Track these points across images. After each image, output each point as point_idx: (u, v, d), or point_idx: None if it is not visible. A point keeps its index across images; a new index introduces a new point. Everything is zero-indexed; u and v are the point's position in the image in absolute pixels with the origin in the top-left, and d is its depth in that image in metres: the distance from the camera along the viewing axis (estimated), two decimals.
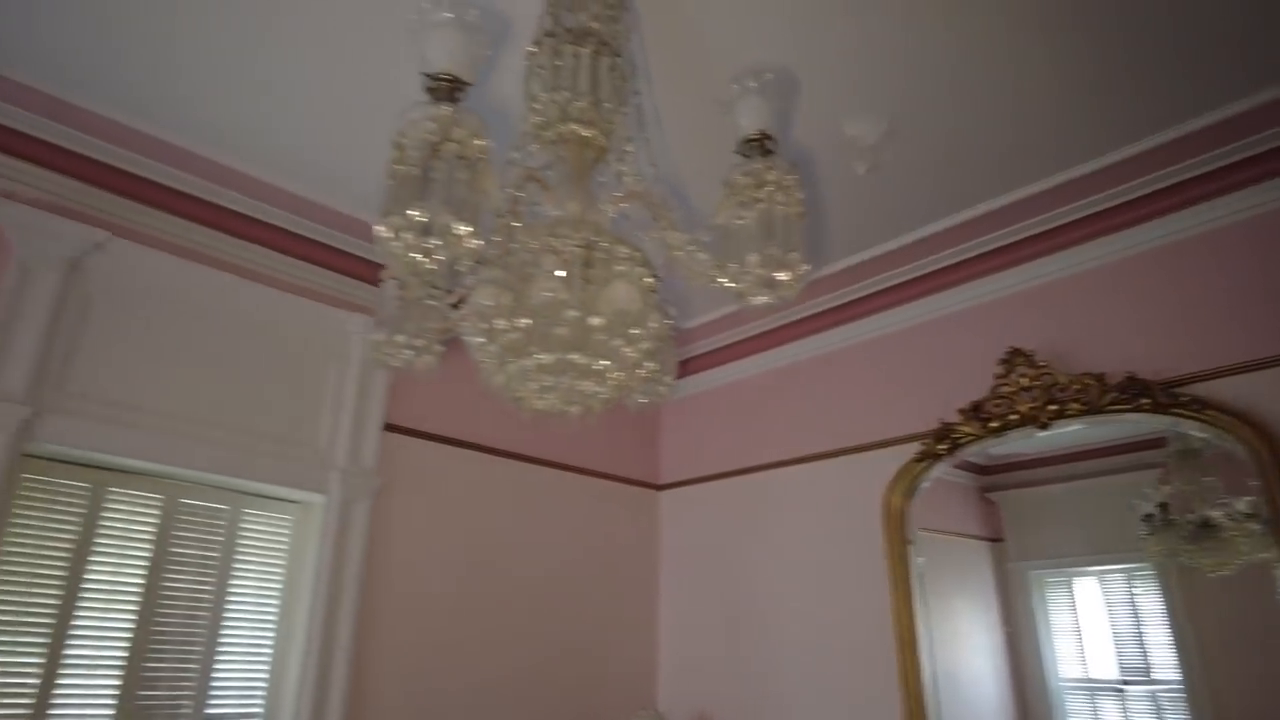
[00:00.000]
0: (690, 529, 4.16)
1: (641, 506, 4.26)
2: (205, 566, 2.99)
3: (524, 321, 1.22)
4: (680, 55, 2.26)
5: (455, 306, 1.51)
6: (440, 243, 1.08)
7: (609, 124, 1.47)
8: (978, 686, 3.27)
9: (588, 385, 1.30)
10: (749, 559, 3.83)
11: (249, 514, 3.13)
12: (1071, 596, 3.25)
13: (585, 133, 1.44)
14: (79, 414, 2.70)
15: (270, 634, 3.07)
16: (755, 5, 2.12)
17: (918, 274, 3.40)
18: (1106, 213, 2.91)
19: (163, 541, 2.92)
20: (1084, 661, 3.14)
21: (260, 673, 3.02)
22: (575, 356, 1.26)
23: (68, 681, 2.65)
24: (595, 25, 1.53)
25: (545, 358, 1.24)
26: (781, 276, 1.27)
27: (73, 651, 2.68)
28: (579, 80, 1.44)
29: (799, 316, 3.77)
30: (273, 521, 3.18)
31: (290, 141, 2.81)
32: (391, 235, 1.07)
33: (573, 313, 1.23)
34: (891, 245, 3.27)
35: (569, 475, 3.97)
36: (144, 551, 2.88)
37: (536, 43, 1.52)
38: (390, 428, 3.40)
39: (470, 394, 3.64)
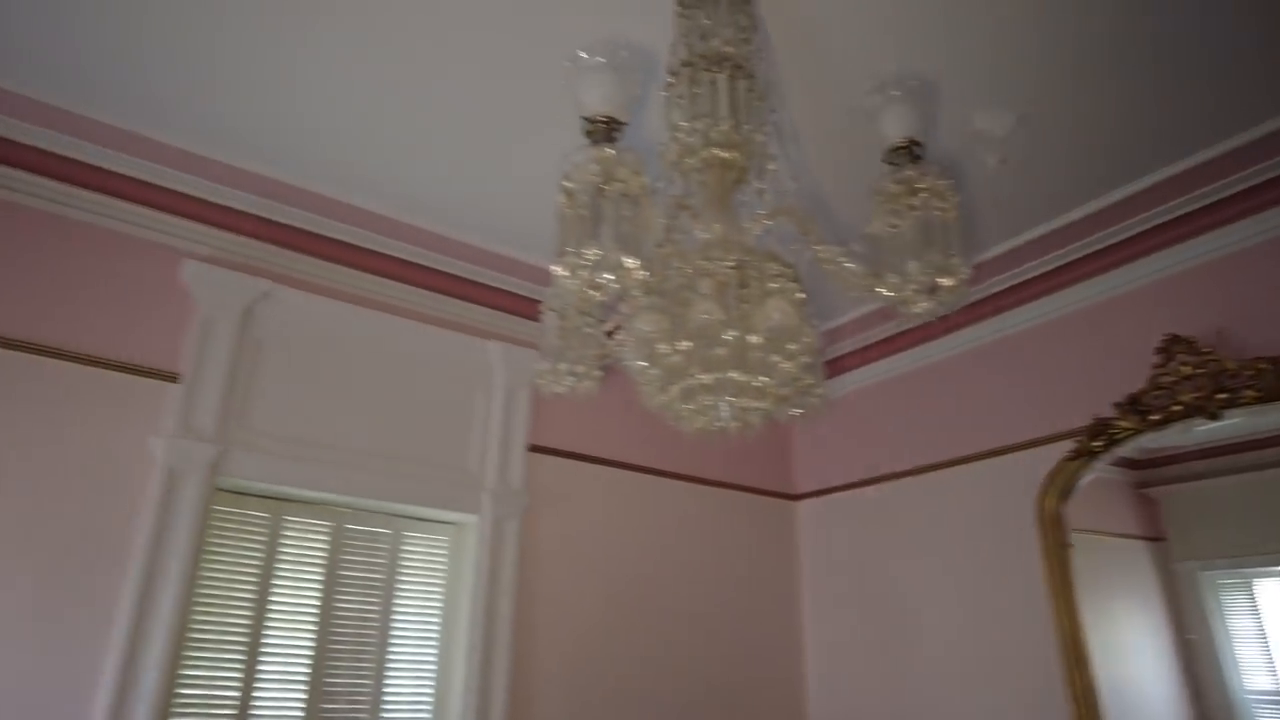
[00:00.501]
0: (831, 540, 4.11)
1: (778, 517, 4.24)
2: (371, 587, 3.20)
3: (685, 344, 1.27)
4: (809, 69, 2.28)
5: (610, 335, 1.58)
6: (612, 277, 1.14)
7: (749, 145, 1.50)
8: (1148, 699, 3.07)
9: (747, 401, 1.34)
10: (895, 570, 3.74)
11: (409, 536, 3.33)
12: (1253, 599, 3.00)
13: (727, 155, 1.48)
14: (259, 449, 2.95)
15: (433, 649, 3.24)
16: (879, 12, 2.11)
17: (1061, 263, 3.24)
18: (1270, 184, 2.71)
19: (333, 565, 3.14)
20: (1274, 672, 2.90)
21: (426, 686, 3.19)
22: (735, 375, 1.30)
23: (262, 695, 2.89)
24: (729, 49, 1.57)
25: (706, 378, 1.28)
26: (945, 282, 1.27)
27: (265, 667, 2.92)
28: (718, 105, 1.49)
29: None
30: (431, 543, 3.37)
31: (429, 186, 3.00)
32: (568, 274, 1.15)
33: (731, 333, 1.27)
34: (1033, 235, 3.14)
35: (703, 488, 4.01)
36: (318, 574, 3.11)
37: (673, 73, 1.57)
38: (534, 448, 3.54)
39: (605, 413, 3.74)
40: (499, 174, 2.90)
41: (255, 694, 2.88)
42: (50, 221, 2.80)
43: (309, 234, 3.17)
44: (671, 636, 3.66)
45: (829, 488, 4.16)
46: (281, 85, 2.51)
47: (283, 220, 3.11)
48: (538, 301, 3.58)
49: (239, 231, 3.07)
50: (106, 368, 2.76)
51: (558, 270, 1.17)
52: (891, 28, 2.17)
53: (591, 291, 1.17)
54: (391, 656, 3.16)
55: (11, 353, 2.62)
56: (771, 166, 1.52)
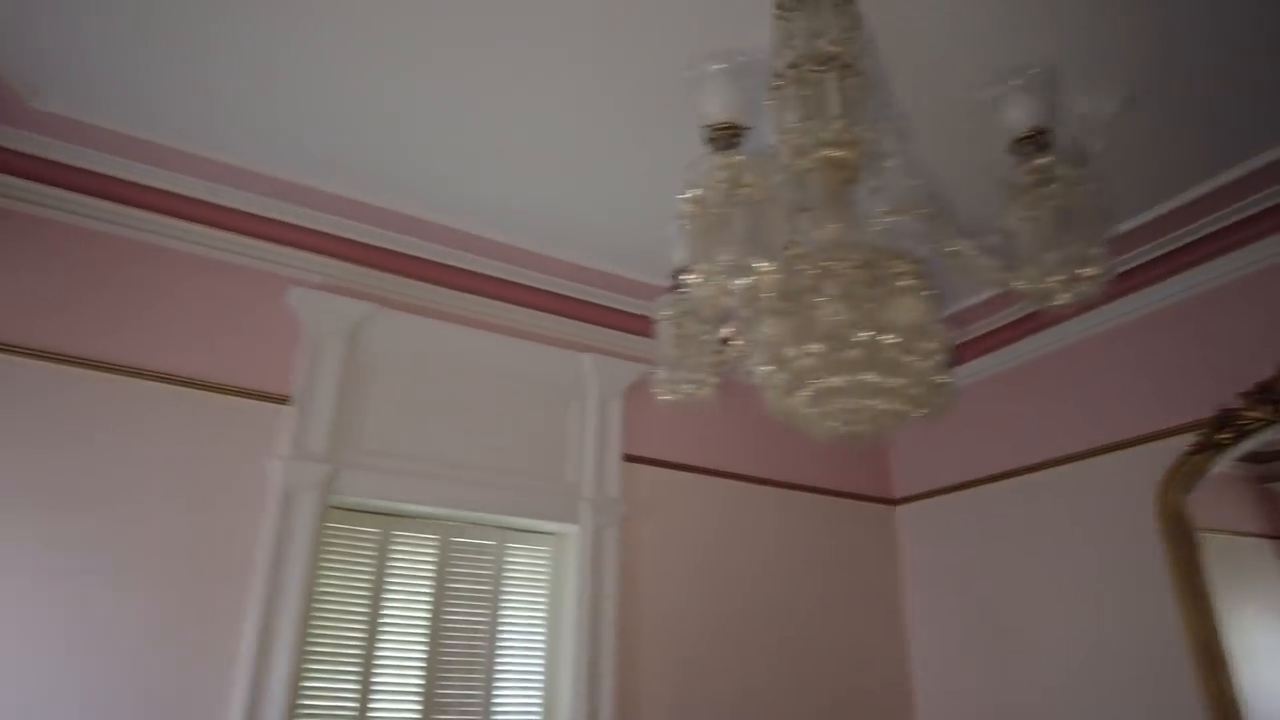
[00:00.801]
0: (935, 545, 3.99)
1: (877, 523, 4.15)
2: (478, 599, 3.26)
3: (815, 346, 1.25)
4: (914, 63, 2.25)
5: (724, 342, 1.58)
6: (745, 282, 1.13)
7: (862, 143, 1.48)
8: None
9: (880, 403, 1.31)
10: (1004, 575, 3.61)
11: (512, 548, 3.38)
12: None
13: (840, 155, 1.46)
14: (368, 467, 3.04)
15: (540, 659, 3.27)
16: (979, 2, 2.07)
17: (1181, 244, 3.07)
18: None
19: (441, 577, 3.21)
20: None
21: (534, 696, 3.23)
22: (868, 376, 1.28)
23: (378, 705, 2.97)
24: (834, 49, 1.56)
25: (837, 380, 1.26)
26: (1085, 273, 1.22)
27: (379, 679, 3.00)
28: (828, 105, 1.47)
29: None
30: (533, 553, 3.41)
31: (524, 204, 3.05)
32: (701, 279, 1.15)
33: (862, 333, 1.25)
34: (1150, 216, 2.99)
35: (799, 494, 3.96)
36: (427, 587, 3.18)
37: (779, 75, 1.56)
38: (629, 458, 3.56)
39: (699, 422, 3.74)
40: (592, 190, 2.94)
41: (371, 705, 2.96)
42: (167, 256, 2.96)
43: (408, 256, 3.27)
44: (773, 646, 3.61)
45: (930, 491, 4.05)
46: (382, 114, 2.59)
47: (383, 244, 3.21)
48: (629, 313, 3.68)
49: (342, 257, 3.18)
50: (223, 393, 2.90)
51: (692, 278, 1.17)
52: (990, 12, 2.11)
53: (722, 297, 1.17)
54: (499, 667, 3.21)
55: (139, 381, 2.78)
56: (886, 163, 1.49)
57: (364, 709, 2.94)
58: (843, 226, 1.44)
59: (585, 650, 3.19)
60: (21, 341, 2.66)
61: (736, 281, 1.14)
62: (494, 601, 3.28)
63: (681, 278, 1.64)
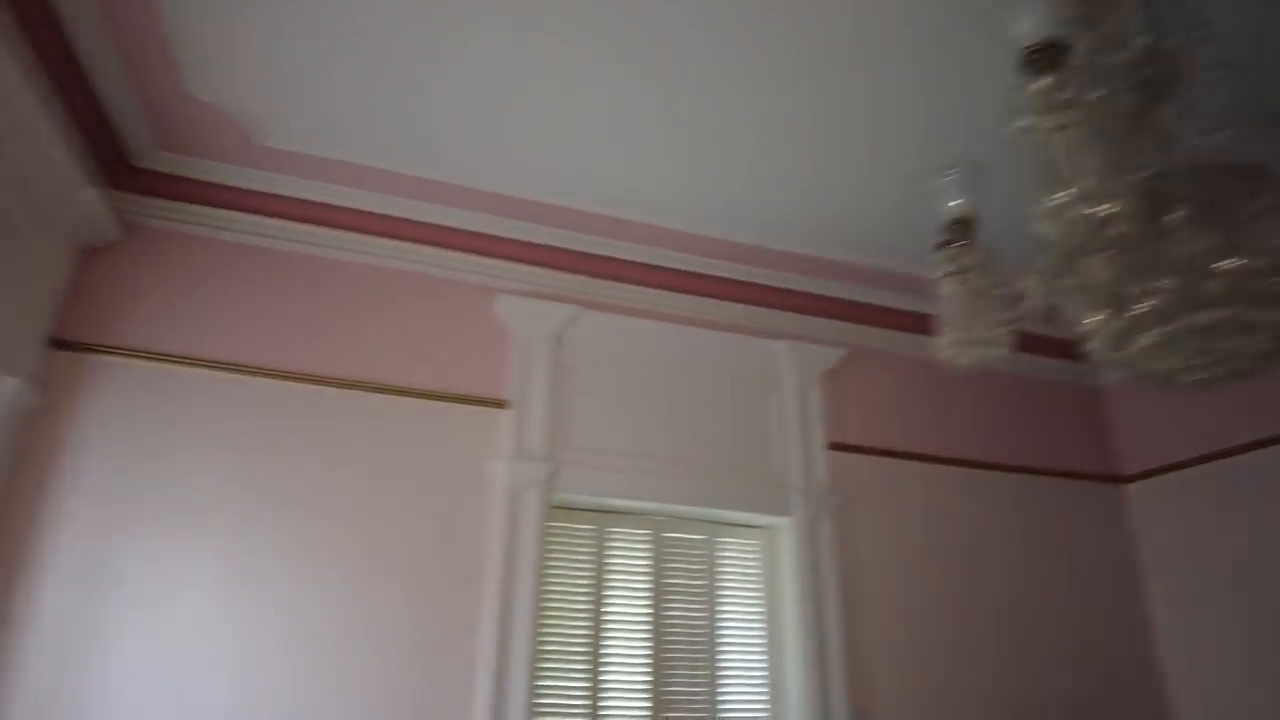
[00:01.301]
0: (1177, 526, 3.61)
1: (1105, 504, 3.81)
2: (695, 594, 3.22)
3: (1165, 281, 1.11)
4: None
5: (1018, 297, 1.44)
6: (1095, 210, 1.01)
7: (1175, 59, 1.31)
8: None
9: (1240, 342, 1.15)
10: (1271, 557, 3.21)
11: (723, 542, 3.33)
12: None
13: (1153, 72, 1.30)
14: (582, 465, 3.07)
15: (762, 654, 3.20)
16: None
17: None
18: None
19: (658, 573, 3.20)
20: None
21: (759, 692, 3.15)
22: (1227, 311, 1.12)
23: (608, 703, 2.98)
24: None
25: (1200, 318, 1.11)
26: None
27: (607, 677, 3.01)
28: (1134, 23, 1.32)
29: None
30: (744, 548, 3.35)
31: (714, 195, 3.01)
32: (1059, 210, 1.04)
33: (1223, 262, 1.09)
34: None
35: (1017, 477, 3.69)
36: (645, 583, 3.18)
37: None
38: (835, 446, 3.43)
39: (906, 406, 3.57)
40: (784, 176, 2.86)
41: (602, 702, 2.98)
42: (388, 276, 3.12)
43: (604, 258, 3.32)
44: (1004, 638, 3.37)
45: (1168, 465, 3.67)
46: (578, 123, 2.62)
47: (581, 248, 3.27)
48: (819, 296, 3.56)
49: (543, 264, 3.26)
50: (446, 400, 3.01)
51: (1050, 207, 1.06)
52: None
53: (1075, 230, 1.05)
54: (722, 662, 3.16)
55: (372, 395, 2.93)
56: (1205, 78, 1.32)
57: (595, 706, 2.96)
58: (1165, 150, 1.28)
59: (810, 646, 3.08)
60: (274, 365, 2.87)
61: (1084, 211, 1.01)
62: (710, 597, 3.23)
63: (956, 231, 1.52)
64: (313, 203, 3.03)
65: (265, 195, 3.00)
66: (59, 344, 2.68)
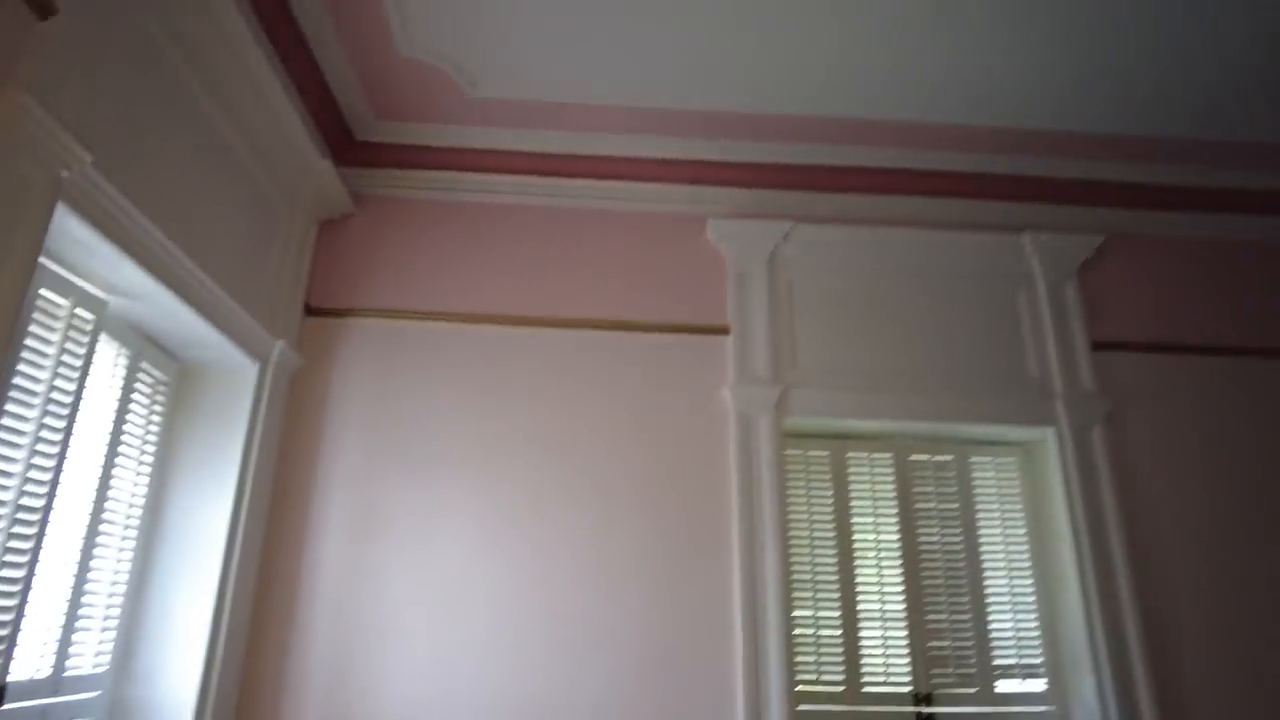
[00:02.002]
0: None
1: None
2: (948, 519, 2.98)
3: None
4: None
5: None
6: None
7: None
8: None
9: None
10: None
11: (976, 462, 3.05)
12: None
13: None
14: (814, 386, 2.91)
15: (1028, 580, 2.90)
16: None
17: None
18: None
19: (905, 498, 2.98)
20: None
21: (1030, 622, 2.86)
22: None
23: (868, 634, 2.83)
24: None
25: None
26: None
27: (863, 606, 2.86)
28: None
29: None
30: (999, 467, 3.05)
31: (947, 77, 2.71)
32: None
33: None
34: None
35: None
36: (891, 509, 2.98)
37: None
38: (1099, 345, 3.03)
39: (1172, 294, 3.10)
40: (1037, 43, 2.51)
41: (861, 633, 2.83)
42: (601, 217, 3.12)
43: (818, 168, 3.12)
44: None
45: None
46: (760, 11, 2.43)
47: (792, 160, 3.09)
48: (1072, 180, 3.14)
49: (749, 184, 3.12)
50: (670, 331, 2.95)
51: None
52: None
53: None
54: (989, 592, 2.90)
55: (598, 333, 2.93)
56: None
57: (852, 637, 2.82)
58: None
59: (1089, 563, 2.75)
60: (503, 312, 2.95)
61: None
62: (967, 521, 2.97)
63: None
64: (525, 153, 3.09)
65: (480, 152, 3.09)
66: (310, 310, 2.91)
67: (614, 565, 2.68)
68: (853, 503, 2.98)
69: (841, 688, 2.77)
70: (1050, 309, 3.04)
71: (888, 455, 3.04)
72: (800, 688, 2.70)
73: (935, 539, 2.95)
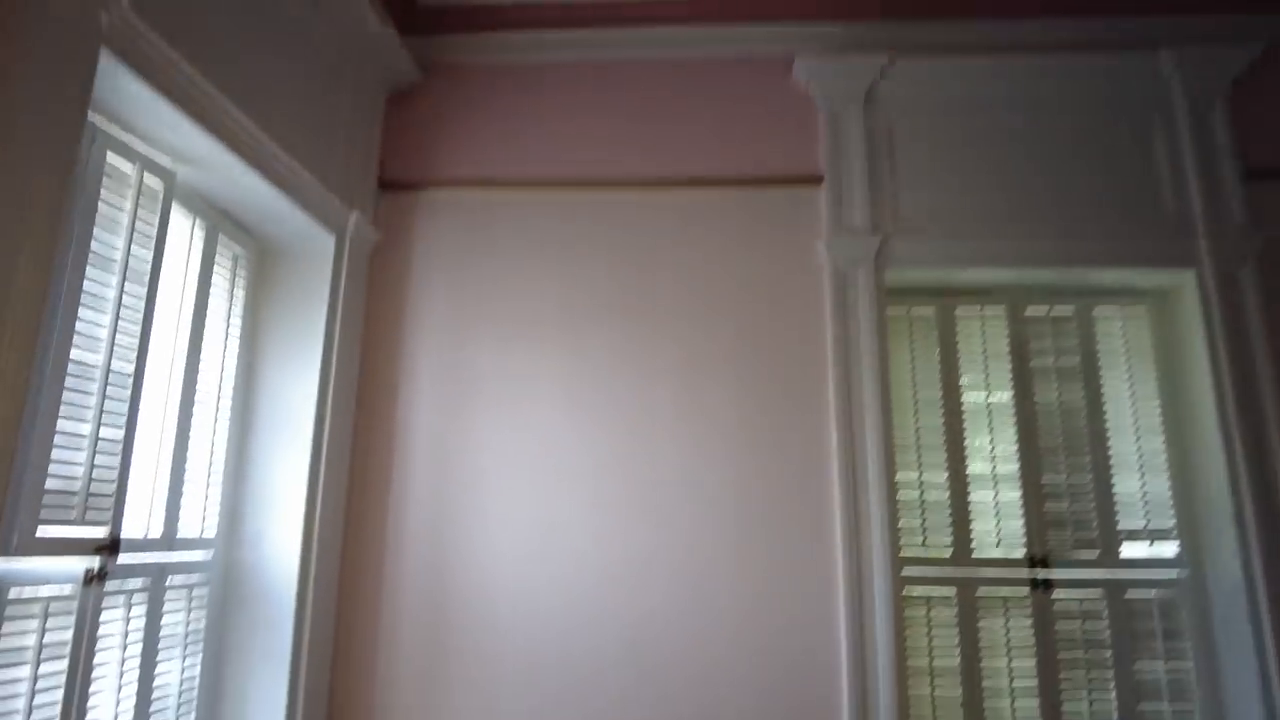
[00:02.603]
0: None
1: None
2: (1068, 376, 2.73)
3: None
4: None
5: None
6: None
7: None
8: None
9: None
10: None
11: (1101, 314, 2.76)
12: None
13: None
14: (916, 234, 2.67)
15: (1160, 440, 2.65)
16: None
17: None
18: None
19: (1019, 356, 2.75)
20: None
21: (1160, 483, 2.63)
22: None
23: (976, 497, 2.67)
24: None
25: None
26: None
27: (973, 469, 2.69)
28: None
29: None
30: (1126, 317, 2.76)
31: None
32: None
33: None
34: None
35: None
36: (1004, 368, 2.75)
37: None
38: (1254, 174, 2.64)
39: None
40: None
41: (971, 496, 2.67)
42: (679, 68, 2.89)
43: None
44: None
45: None
46: None
47: None
48: None
49: (843, 18, 2.80)
50: (757, 185, 2.75)
51: None
52: None
53: None
54: (1114, 450, 2.67)
55: (685, 190, 2.76)
56: None
57: (961, 500, 2.66)
58: None
59: (1235, 424, 2.47)
60: (582, 176, 2.81)
61: None
62: (1089, 377, 2.72)
63: None
64: (597, 3, 2.86)
65: (548, 6, 2.89)
66: (383, 185, 2.83)
67: (706, 429, 2.59)
68: (961, 362, 2.77)
69: (949, 551, 2.64)
70: (1192, 135, 2.66)
71: (1000, 310, 2.79)
72: (906, 552, 2.59)
73: (1053, 398, 2.73)
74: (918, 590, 2.59)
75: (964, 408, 2.73)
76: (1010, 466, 2.69)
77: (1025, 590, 2.60)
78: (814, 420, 2.57)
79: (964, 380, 2.75)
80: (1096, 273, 2.64)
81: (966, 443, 2.71)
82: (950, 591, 2.61)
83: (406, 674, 2.48)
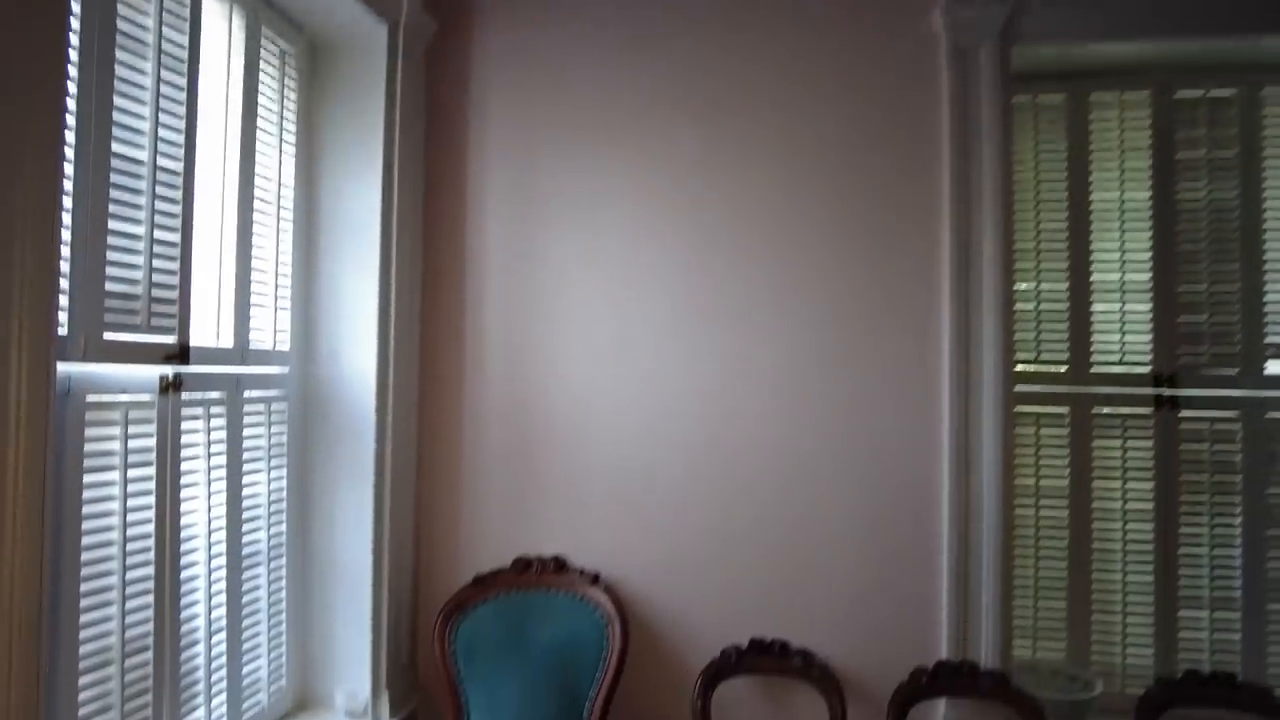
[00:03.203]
0: None
1: None
2: (1221, 170, 2.37)
3: None
4: None
5: None
6: None
7: None
8: None
9: None
10: None
11: (1270, 94, 2.35)
12: None
13: None
14: (1048, 2, 2.25)
15: None
16: None
17: None
18: None
19: (1163, 147, 2.38)
20: None
21: None
22: None
23: (1099, 307, 2.41)
24: None
25: None
26: None
27: (1097, 276, 2.42)
28: None
29: None
30: None
31: None
32: None
33: None
34: None
35: None
36: (1142, 161, 2.40)
37: None
38: None
39: None
40: None
41: (1094, 306, 2.41)
42: None
43: None
44: None
45: None
46: None
47: None
48: None
49: None
50: None
51: None
52: None
53: None
54: (1269, 254, 2.34)
55: None
56: None
57: (1082, 310, 2.41)
58: None
59: None
60: None
61: None
62: (1248, 171, 2.36)
63: None
64: None
65: None
66: None
67: (802, 229, 2.36)
68: (1093, 155, 2.43)
69: (1064, 367, 2.42)
70: None
71: (1143, 95, 2.40)
72: (1018, 367, 2.37)
73: (1201, 196, 2.38)
74: (1027, 408, 2.39)
75: (1092, 208, 2.42)
76: (1141, 274, 2.40)
77: (1148, 409, 2.38)
78: (924, 219, 2.31)
79: (1094, 177, 2.42)
80: (1269, 41, 2.21)
81: (1093, 247, 2.41)
82: (1063, 409, 2.41)
83: (491, 486, 2.46)
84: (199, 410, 1.84)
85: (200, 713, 1.85)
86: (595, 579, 2.34)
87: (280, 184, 2.16)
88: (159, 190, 1.66)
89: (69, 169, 1.40)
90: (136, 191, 1.61)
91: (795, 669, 2.22)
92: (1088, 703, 2.16)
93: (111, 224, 1.55)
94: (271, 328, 2.13)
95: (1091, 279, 2.41)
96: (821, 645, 2.26)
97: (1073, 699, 2.16)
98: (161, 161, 1.67)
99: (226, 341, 1.94)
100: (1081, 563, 2.38)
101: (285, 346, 2.20)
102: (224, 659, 1.92)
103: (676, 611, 2.36)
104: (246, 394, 2.01)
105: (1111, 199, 2.41)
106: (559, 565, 2.39)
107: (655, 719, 2.33)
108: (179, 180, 1.72)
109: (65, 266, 1.43)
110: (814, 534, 2.32)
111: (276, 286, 2.15)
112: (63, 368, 1.44)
